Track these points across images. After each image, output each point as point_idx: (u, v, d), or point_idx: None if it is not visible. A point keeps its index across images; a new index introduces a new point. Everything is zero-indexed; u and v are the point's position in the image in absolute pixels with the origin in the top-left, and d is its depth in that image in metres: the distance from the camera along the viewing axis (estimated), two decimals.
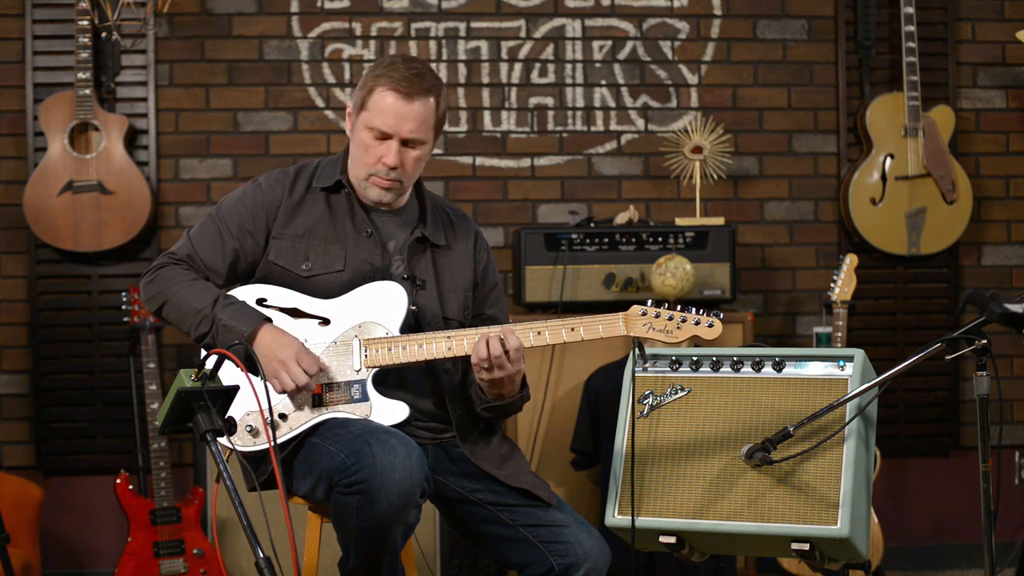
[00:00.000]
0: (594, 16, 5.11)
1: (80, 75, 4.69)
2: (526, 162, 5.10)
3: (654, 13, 5.12)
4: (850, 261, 4.72)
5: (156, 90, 4.94)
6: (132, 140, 4.89)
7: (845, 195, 5.04)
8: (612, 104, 5.11)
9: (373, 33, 5.03)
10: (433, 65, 5.02)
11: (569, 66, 5.10)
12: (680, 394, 3.18)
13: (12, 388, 4.91)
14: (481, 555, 4.34)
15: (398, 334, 2.95)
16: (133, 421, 4.78)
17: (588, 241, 4.68)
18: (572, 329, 2.93)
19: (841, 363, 3.11)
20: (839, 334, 4.67)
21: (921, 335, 5.13)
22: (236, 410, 2.76)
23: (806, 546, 2.98)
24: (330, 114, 5.02)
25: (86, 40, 4.68)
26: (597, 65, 5.11)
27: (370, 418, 2.90)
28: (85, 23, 4.68)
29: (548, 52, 5.10)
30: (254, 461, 2.94)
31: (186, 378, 2.45)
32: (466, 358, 3.04)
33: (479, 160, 5.09)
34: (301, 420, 2.92)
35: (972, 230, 5.14)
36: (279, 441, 2.90)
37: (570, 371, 4.57)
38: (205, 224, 3.06)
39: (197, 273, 3.01)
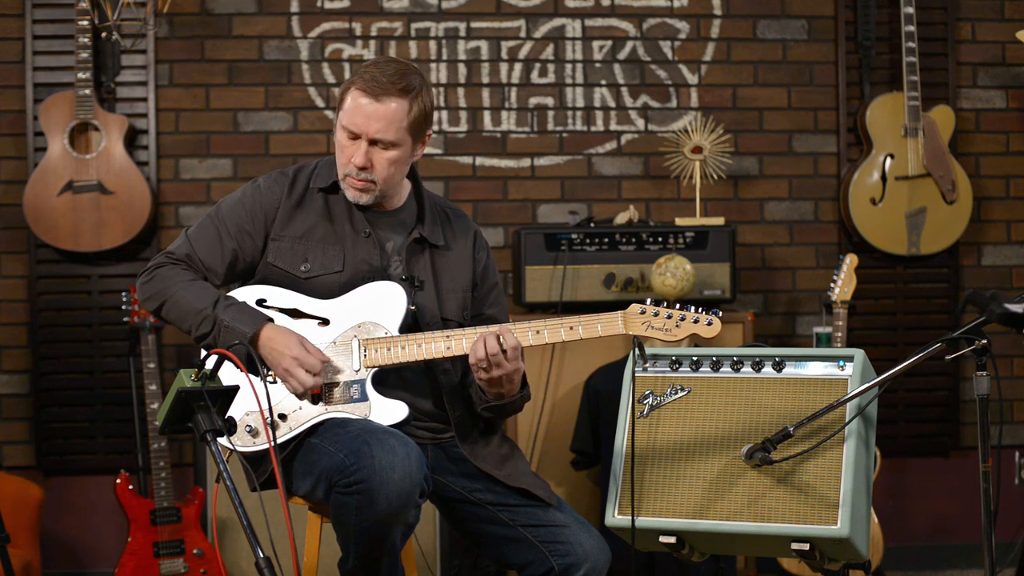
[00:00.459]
0: (594, 16, 5.11)
1: (80, 75, 4.69)
2: (526, 162, 5.10)
3: (654, 13, 5.12)
4: (850, 261, 4.72)
5: (156, 90, 4.94)
6: (132, 140, 4.90)
7: (845, 195, 5.04)
8: (612, 104, 5.11)
9: (373, 33, 5.03)
10: (433, 65, 5.02)
11: (569, 66, 5.10)
12: (680, 394, 3.18)
13: (12, 388, 4.91)
14: (481, 555, 4.34)
15: (397, 334, 2.96)
16: (133, 421, 4.78)
17: (588, 241, 4.68)
18: (571, 328, 2.93)
19: (841, 363, 3.11)
20: (839, 334, 4.67)
21: (921, 335, 5.13)
22: (236, 410, 2.76)
23: (806, 546, 2.98)
24: (330, 114, 5.02)
25: (86, 40, 4.68)
26: (597, 65, 5.11)
27: (369, 418, 2.90)
28: (85, 23, 4.68)
29: (548, 52, 5.10)
30: (254, 461, 2.94)
31: (186, 378, 2.45)
32: (465, 358, 3.04)
33: (479, 160, 5.09)
34: (301, 420, 2.92)
35: (972, 230, 5.14)
36: (279, 441, 2.90)
37: (570, 371, 4.57)
38: (204, 224, 3.06)
39: (196, 273, 3.01)
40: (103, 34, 4.70)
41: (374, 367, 2.94)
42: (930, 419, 5.20)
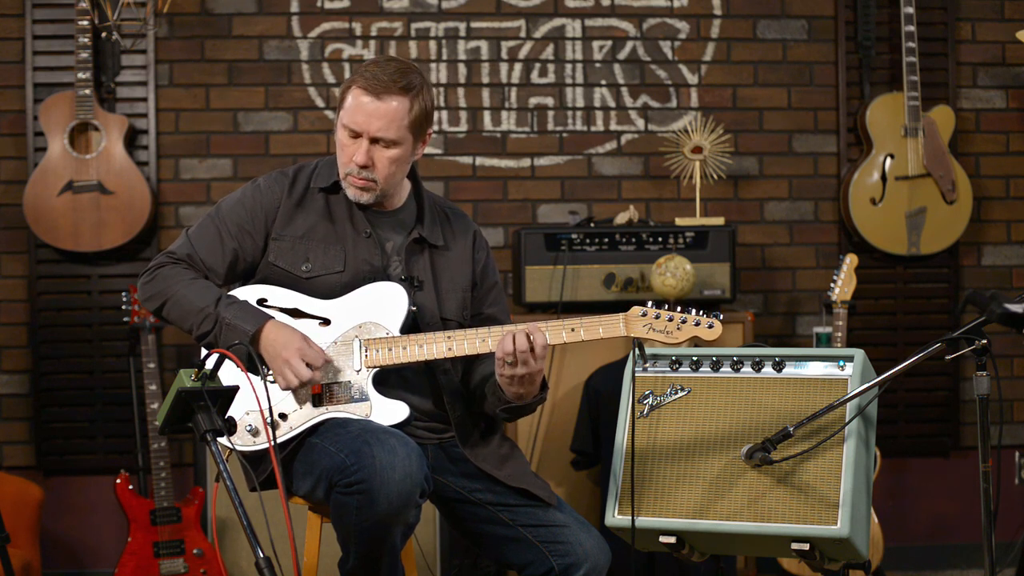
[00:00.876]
0: (594, 16, 5.11)
1: (80, 75, 4.69)
2: (526, 162, 5.10)
3: (654, 13, 5.12)
4: (850, 261, 4.72)
5: (156, 90, 4.94)
6: (132, 140, 4.90)
7: (845, 195, 5.05)
8: (612, 104, 5.11)
9: (373, 33, 5.03)
10: (433, 65, 5.02)
11: (569, 66, 5.10)
12: (680, 394, 3.18)
13: (12, 388, 4.91)
14: (481, 555, 4.34)
15: (398, 334, 2.96)
16: (133, 421, 4.78)
17: (588, 241, 4.68)
18: (572, 330, 2.93)
19: (841, 363, 3.11)
20: (839, 334, 4.67)
21: (921, 335, 5.13)
22: (236, 410, 2.76)
23: (806, 546, 2.98)
24: (330, 114, 5.02)
25: (86, 40, 4.68)
26: (597, 65, 5.11)
27: (370, 418, 2.91)
28: (85, 23, 4.68)
29: (548, 52, 5.10)
30: (254, 461, 2.94)
31: (186, 378, 2.45)
32: (465, 358, 3.04)
33: (479, 160, 5.09)
34: (301, 420, 2.92)
35: (972, 230, 5.14)
36: (279, 441, 2.90)
37: (570, 371, 4.57)
38: (204, 224, 3.06)
39: (197, 273, 3.01)
40: (103, 34, 4.70)
41: (375, 367, 2.94)
42: (930, 419, 5.20)
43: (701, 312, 2.93)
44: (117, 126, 4.78)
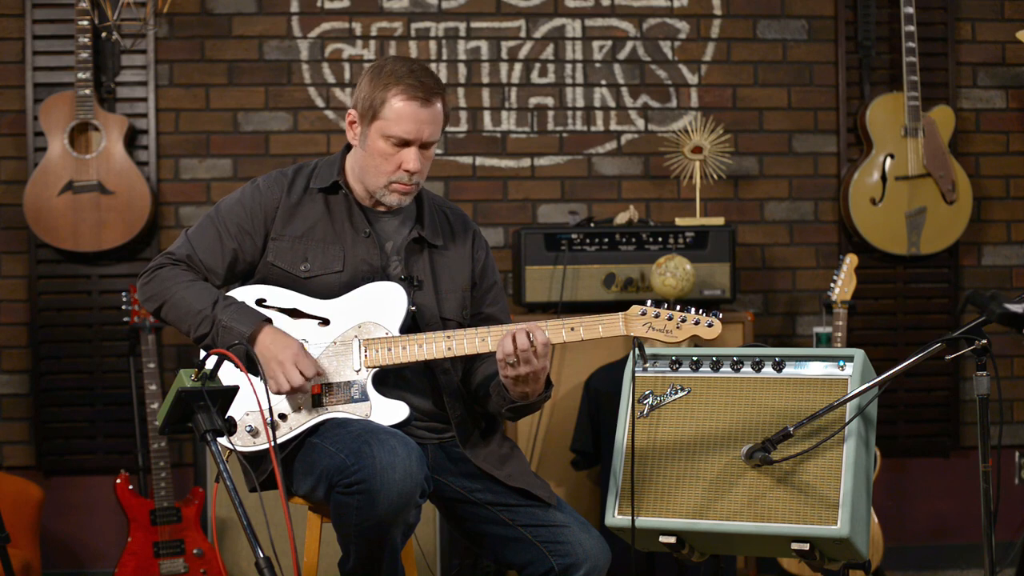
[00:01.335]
0: (594, 16, 5.11)
1: (80, 75, 4.69)
2: (526, 162, 5.10)
3: (654, 13, 5.12)
4: (850, 261, 4.72)
5: (156, 90, 4.94)
6: (132, 140, 4.90)
7: (845, 195, 5.05)
8: (612, 104, 5.11)
9: (373, 33, 5.03)
10: (433, 65, 5.02)
11: (569, 66, 5.10)
12: (680, 394, 3.18)
13: (12, 388, 4.91)
14: (481, 555, 4.34)
15: (398, 334, 2.96)
16: (133, 421, 4.78)
17: (588, 241, 4.68)
18: (572, 329, 2.93)
19: (841, 363, 3.11)
20: (839, 334, 4.67)
21: (921, 335, 5.13)
22: (236, 410, 2.76)
23: (806, 546, 2.98)
24: (330, 114, 5.02)
25: (86, 40, 4.68)
26: (597, 65, 5.11)
27: (370, 418, 2.91)
28: (85, 23, 4.68)
29: (548, 52, 5.10)
30: (254, 461, 2.94)
31: (186, 378, 2.45)
32: (465, 358, 3.04)
33: (479, 160, 5.09)
34: (301, 420, 2.92)
35: (972, 230, 5.14)
36: (279, 441, 2.90)
37: (570, 371, 4.57)
38: (203, 225, 3.06)
39: (196, 274, 3.01)
40: (103, 34, 4.70)
41: (375, 367, 2.94)
42: (930, 419, 5.20)
43: (701, 311, 2.93)
44: (117, 126, 4.78)
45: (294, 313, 2.99)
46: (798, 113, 5.17)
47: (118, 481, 4.59)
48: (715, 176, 4.96)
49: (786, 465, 3.02)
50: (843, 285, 4.69)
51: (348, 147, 3.13)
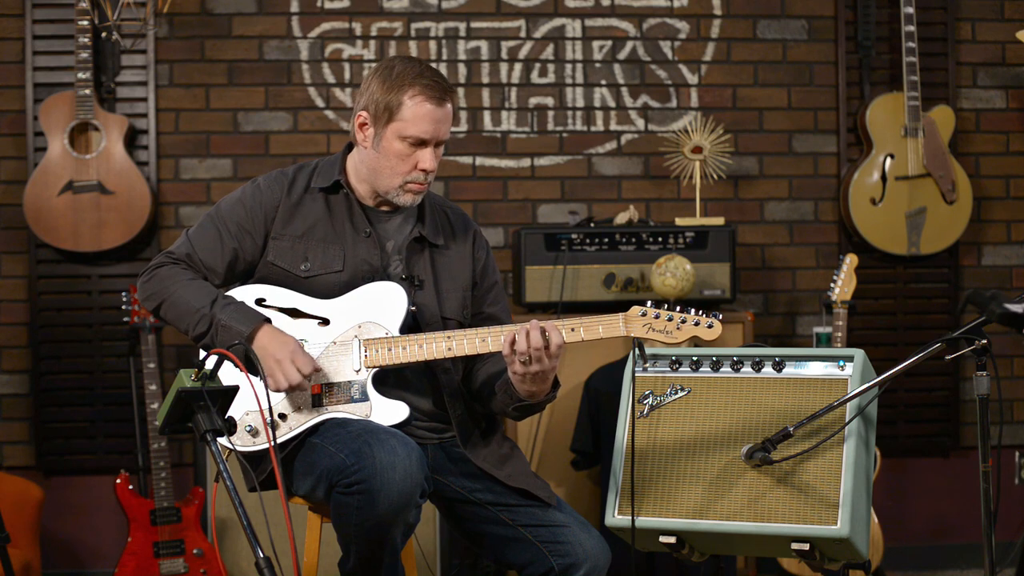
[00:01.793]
0: (594, 16, 5.11)
1: (80, 75, 4.69)
2: (526, 162, 5.10)
3: (654, 13, 5.12)
4: (850, 261, 4.72)
5: (156, 90, 4.94)
6: (132, 140, 4.90)
7: (845, 195, 5.05)
8: (612, 104, 5.11)
9: (373, 33, 5.03)
10: (433, 65, 5.02)
11: (569, 66, 5.10)
12: (680, 394, 3.18)
13: (12, 388, 4.91)
14: (481, 555, 4.35)
15: (398, 334, 2.96)
16: (133, 421, 4.78)
17: (588, 241, 4.68)
18: (572, 330, 2.93)
19: (841, 363, 3.11)
20: (839, 334, 4.67)
21: (921, 335, 5.13)
22: (236, 410, 2.76)
23: (806, 546, 2.98)
24: (330, 114, 5.02)
25: (86, 40, 4.68)
26: (597, 65, 5.11)
27: (370, 418, 2.91)
28: (85, 23, 4.68)
29: (548, 52, 5.10)
30: (254, 461, 2.94)
31: (186, 378, 2.45)
32: (466, 358, 3.04)
33: (479, 160, 5.09)
34: (301, 420, 2.92)
35: (972, 230, 5.14)
36: (279, 441, 2.90)
37: (570, 371, 4.57)
38: (204, 224, 3.06)
39: (196, 273, 3.02)
40: (103, 34, 4.70)
41: (375, 367, 2.94)
42: (930, 419, 5.20)
43: (701, 312, 2.93)
44: (117, 126, 4.78)
45: (294, 313, 2.99)
46: (798, 113, 5.17)
47: (118, 481, 4.59)
48: (715, 176, 4.95)
49: (786, 465, 3.02)
50: (843, 285, 4.69)
51: (349, 147, 3.13)
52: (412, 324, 3.01)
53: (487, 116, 5.08)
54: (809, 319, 5.16)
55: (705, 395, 3.16)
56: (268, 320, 2.93)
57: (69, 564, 4.91)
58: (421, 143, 2.97)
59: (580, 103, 5.11)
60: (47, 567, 4.77)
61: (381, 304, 2.98)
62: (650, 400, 3.19)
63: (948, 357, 2.98)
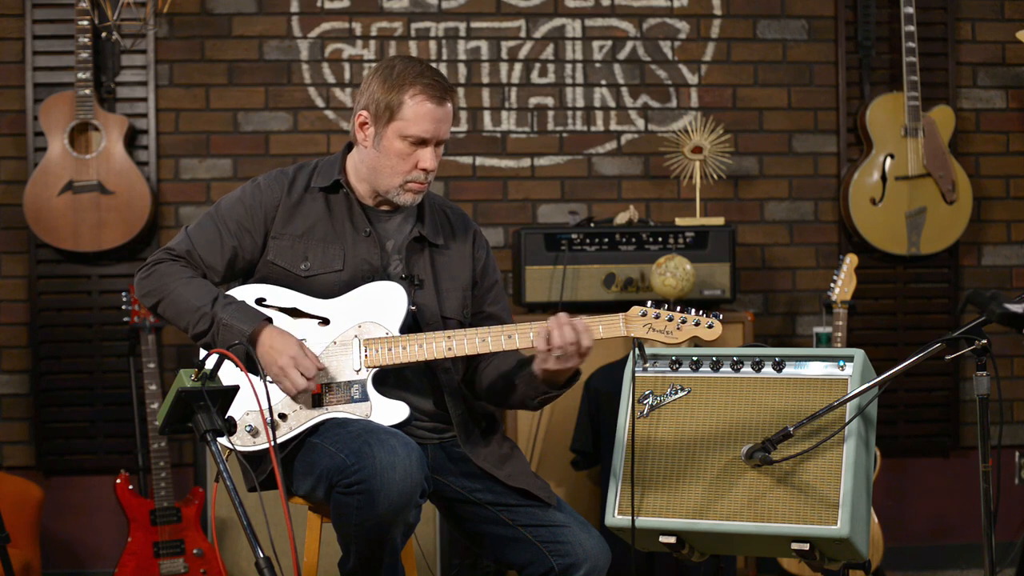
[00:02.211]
0: (594, 16, 5.11)
1: (80, 75, 4.69)
2: (526, 162, 5.10)
3: (654, 13, 5.12)
4: (850, 261, 4.72)
5: (156, 90, 4.94)
6: (132, 140, 4.90)
7: (845, 195, 5.05)
8: (612, 104, 5.11)
9: (373, 33, 5.03)
10: (432, 65, 5.02)
11: (569, 66, 5.10)
12: (680, 394, 3.18)
13: (12, 388, 4.91)
14: (481, 555, 4.35)
15: (398, 334, 2.96)
16: (133, 421, 4.78)
17: (588, 241, 4.68)
18: None
19: (841, 363, 3.11)
20: (839, 334, 4.67)
21: (921, 335, 5.13)
22: (236, 410, 2.76)
23: (806, 546, 2.98)
24: (330, 114, 5.02)
25: (86, 40, 4.68)
26: (597, 65, 5.11)
27: (370, 418, 2.91)
28: (85, 23, 4.68)
29: (548, 52, 5.10)
30: (254, 461, 2.94)
31: (186, 378, 2.45)
32: (466, 358, 3.04)
33: (479, 160, 5.09)
34: (301, 420, 2.92)
35: (972, 230, 5.14)
36: (279, 441, 2.90)
37: None
38: (204, 222, 3.06)
39: (195, 270, 3.01)
40: (103, 34, 4.70)
41: (375, 367, 2.94)
42: (930, 419, 5.20)
43: (701, 312, 2.93)
44: (117, 126, 4.78)
45: (294, 312, 2.99)
46: (798, 113, 5.17)
47: (118, 481, 4.59)
48: (715, 176, 4.95)
49: (786, 465, 3.02)
50: (843, 285, 4.69)
51: (349, 146, 3.13)
52: (412, 324, 3.01)
53: (487, 116, 5.08)
54: (809, 319, 5.16)
55: (705, 395, 3.16)
56: (270, 320, 2.93)
57: (69, 564, 4.91)
58: (421, 142, 2.97)
59: (580, 103, 5.11)
60: (47, 567, 4.77)
61: (381, 304, 2.98)
62: (650, 400, 3.18)
63: (948, 357, 2.98)
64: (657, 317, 2.92)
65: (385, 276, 3.03)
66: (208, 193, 4.97)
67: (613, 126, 5.11)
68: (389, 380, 2.99)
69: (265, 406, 2.69)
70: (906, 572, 5.10)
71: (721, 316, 2.95)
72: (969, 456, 5.18)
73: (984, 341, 2.86)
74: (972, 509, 5.08)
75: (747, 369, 3.16)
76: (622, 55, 5.11)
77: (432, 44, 5.05)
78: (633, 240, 4.70)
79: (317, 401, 2.93)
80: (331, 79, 5.02)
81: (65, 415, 4.91)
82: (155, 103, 4.94)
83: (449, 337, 2.93)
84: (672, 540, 3.09)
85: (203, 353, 2.65)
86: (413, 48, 5.04)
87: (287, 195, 3.06)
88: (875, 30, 5.09)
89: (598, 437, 4.46)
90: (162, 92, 4.96)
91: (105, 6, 4.53)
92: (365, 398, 2.93)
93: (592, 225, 4.76)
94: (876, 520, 4.69)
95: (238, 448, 2.88)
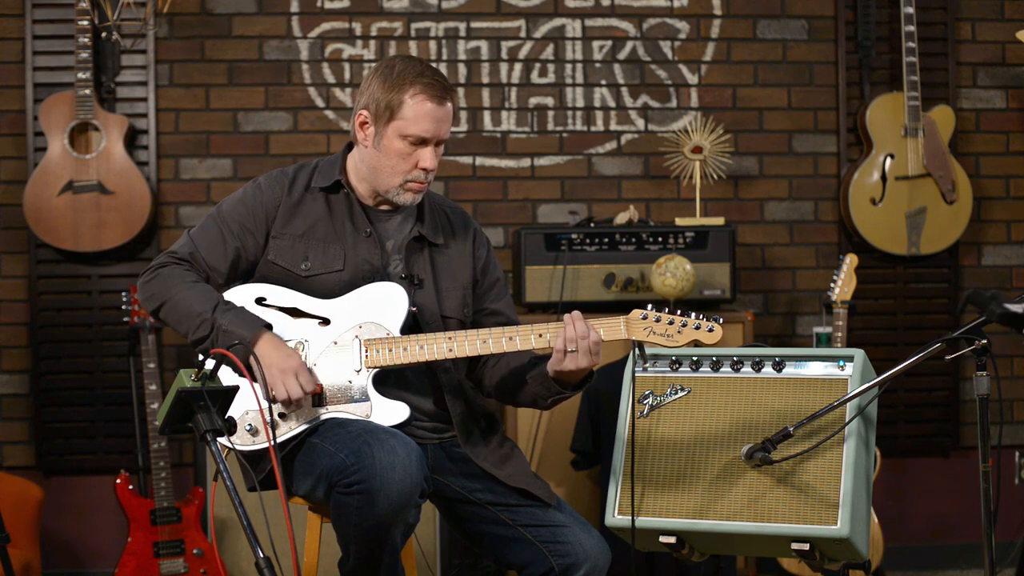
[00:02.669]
0: (594, 16, 5.11)
1: (80, 75, 4.69)
2: (526, 162, 5.10)
3: (654, 13, 5.12)
4: (850, 261, 4.72)
5: (156, 90, 4.94)
6: (132, 140, 4.90)
7: (845, 195, 5.05)
8: (612, 104, 5.11)
9: (373, 33, 5.03)
10: (433, 65, 5.02)
11: (569, 66, 5.10)
12: (680, 394, 3.18)
13: (12, 388, 4.91)
14: (481, 555, 4.35)
15: (398, 335, 2.96)
16: (133, 421, 4.78)
17: (588, 241, 4.68)
18: None
19: (841, 363, 3.11)
20: (839, 334, 4.67)
21: (921, 335, 5.13)
22: (236, 409, 2.76)
23: (806, 546, 2.98)
24: (330, 114, 5.02)
25: (86, 40, 4.68)
26: (597, 65, 5.11)
27: (370, 418, 2.91)
28: (85, 23, 4.68)
29: (548, 52, 5.10)
30: (253, 460, 2.94)
31: (186, 378, 2.45)
32: (465, 358, 3.04)
33: (479, 160, 5.09)
34: (301, 420, 2.92)
35: (972, 230, 5.14)
36: (279, 441, 2.90)
37: None
38: (206, 224, 3.06)
39: (199, 274, 3.01)
40: (103, 34, 4.70)
41: (375, 368, 2.94)
42: (930, 419, 5.20)
43: (702, 316, 2.93)
44: (117, 126, 4.78)
45: (294, 312, 2.99)
46: (798, 113, 5.17)
47: (118, 481, 4.59)
48: (715, 176, 4.96)
49: (786, 465, 3.02)
50: (843, 285, 4.69)
51: (349, 146, 3.13)
52: (412, 324, 3.01)
53: (487, 116, 5.08)
54: (809, 319, 5.16)
55: (705, 395, 3.16)
56: (270, 327, 2.93)
57: (69, 564, 4.92)
58: (422, 142, 2.97)
59: (580, 103, 5.11)
60: (47, 567, 4.77)
61: (382, 304, 2.98)
62: (650, 400, 3.19)
63: (948, 357, 2.98)
64: (658, 320, 2.92)
65: (385, 276, 3.04)
66: (208, 193, 4.97)
67: (613, 126, 5.11)
68: (389, 380, 2.99)
69: (265, 406, 2.69)
70: (906, 572, 5.10)
71: (722, 320, 2.94)
72: (969, 456, 5.18)
73: (984, 341, 2.86)
74: (972, 509, 5.08)
75: (747, 369, 3.16)
76: (622, 55, 5.12)
77: (432, 44, 5.05)
78: (633, 240, 4.70)
79: (317, 401, 2.93)
80: (331, 79, 5.02)
81: (65, 415, 4.91)
82: (155, 103, 4.94)
83: (450, 338, 2.93)
84: (672, 540, 3.09)
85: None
86: (413, 48, 5.04)
87: (287, 195, 3.06)
88: (875, 30, 5.09)
89: (598, 437, 4.46)
90: (162, 92, 4.96)
91: (105, 6, 4.53)
92: (365, 398, 2.93)
93: (592, 225, 4.76)
94: (876, 520, 4.69)
95: (238, 448, 2.88)
